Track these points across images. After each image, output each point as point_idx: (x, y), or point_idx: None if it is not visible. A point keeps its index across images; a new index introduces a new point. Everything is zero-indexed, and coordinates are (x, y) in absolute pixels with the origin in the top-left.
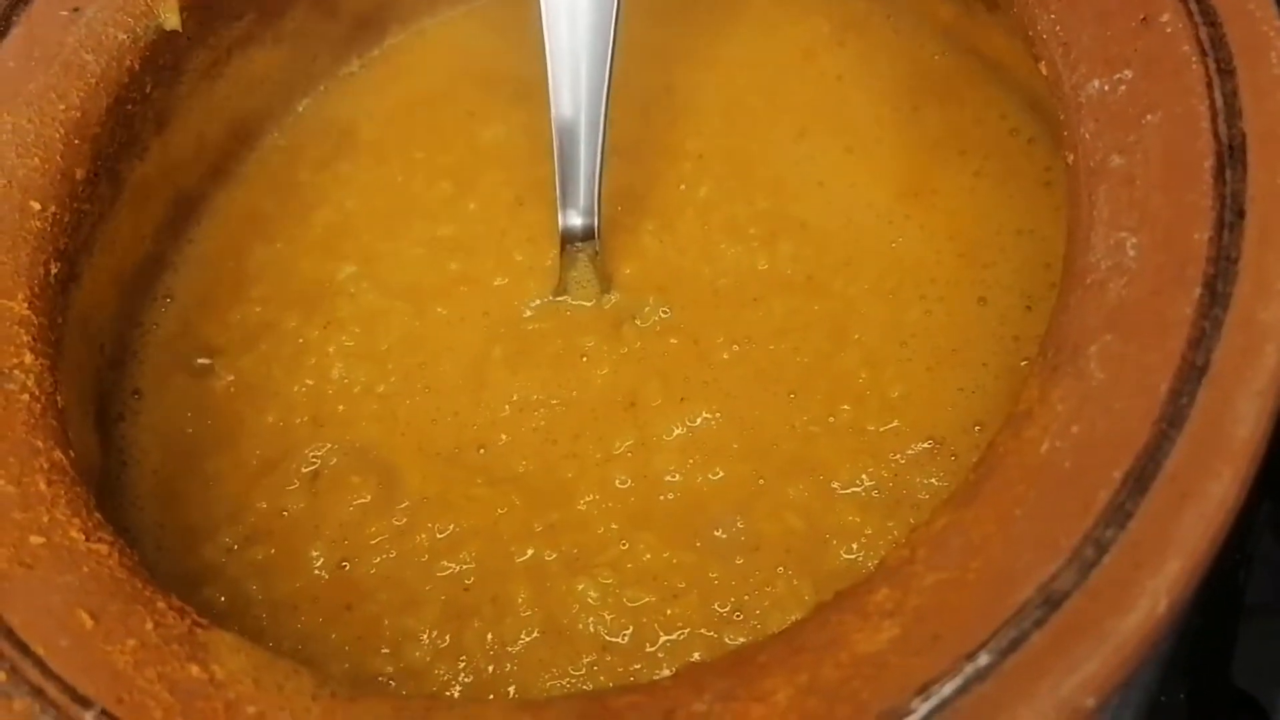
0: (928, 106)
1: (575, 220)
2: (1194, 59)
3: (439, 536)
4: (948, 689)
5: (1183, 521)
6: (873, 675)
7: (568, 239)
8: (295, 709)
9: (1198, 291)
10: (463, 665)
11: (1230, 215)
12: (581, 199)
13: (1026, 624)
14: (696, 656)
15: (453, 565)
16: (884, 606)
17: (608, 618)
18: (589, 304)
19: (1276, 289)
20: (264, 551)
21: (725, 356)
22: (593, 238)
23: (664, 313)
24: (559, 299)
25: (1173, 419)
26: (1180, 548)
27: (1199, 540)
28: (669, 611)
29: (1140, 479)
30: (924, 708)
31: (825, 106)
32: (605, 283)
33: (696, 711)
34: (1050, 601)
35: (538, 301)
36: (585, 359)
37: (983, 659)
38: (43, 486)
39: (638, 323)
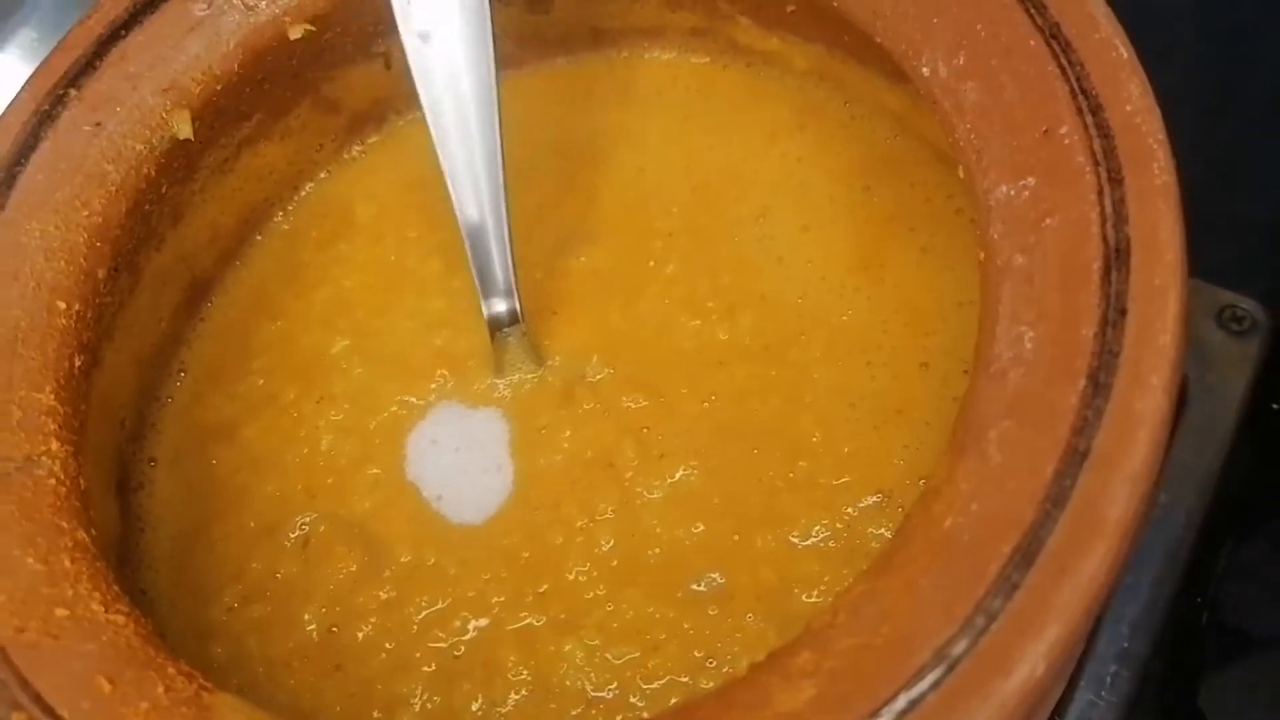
0: (880, 186)
1: (499, 306)
2: (1088, 169)
3: (428, 610)
4: None
5: (1060, 593)
6: None
7: (495, 326)
8: None
9: (1082, 383)
10: None
11: (1114, 313)
12: (500, 285)
13: (924, 686)
14: (673, 701)
15: (443, 635)
16: (805, 668)
17: (593, 675)
18: (531, 377)
19: (1150, 382)
20: (261, 610)
21: (694, 411)
22: (518, 320)
23: (609, 371)
24: (498, 380)
25: (1056, 499)
26: (1058, 616)
27: (1075, 610)
28: (650, 664)
29: (1026, 554)
30: None
31: (785, 186)
32: (538, 361)
33: None
34: (946, 664)
35: (478, 387)
36: (544, 430)
37: (884, 717)
38: (67, 564)
39: (589, 379)
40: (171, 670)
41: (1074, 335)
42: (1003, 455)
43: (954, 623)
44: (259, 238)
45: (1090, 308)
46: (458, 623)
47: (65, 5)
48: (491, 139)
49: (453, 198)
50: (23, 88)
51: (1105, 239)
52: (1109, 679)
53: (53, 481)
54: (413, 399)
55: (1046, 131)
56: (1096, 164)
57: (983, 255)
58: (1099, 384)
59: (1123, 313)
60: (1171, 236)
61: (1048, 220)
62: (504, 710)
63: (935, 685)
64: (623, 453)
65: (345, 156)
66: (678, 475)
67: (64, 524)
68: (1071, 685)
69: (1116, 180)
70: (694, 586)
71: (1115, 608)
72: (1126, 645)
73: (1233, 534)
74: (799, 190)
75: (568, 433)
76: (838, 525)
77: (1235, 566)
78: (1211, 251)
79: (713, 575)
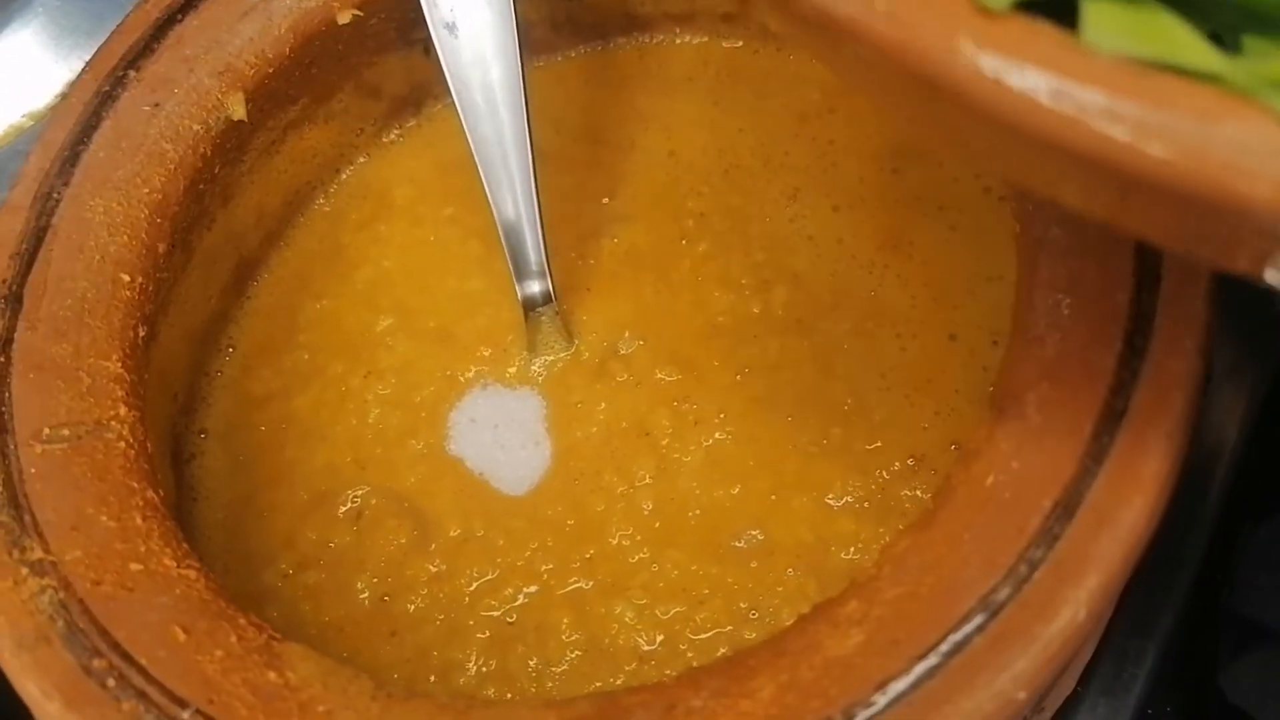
0: (909, 168)
1: (533, 288)
2: None
3: (479, 580)
4: (902, 685)
5: (1100, 543)
6: (841, 675)
7: (529, 306)
8: (358, 707)
9: (1119, 346)
10: (509, 686)
11: (1148, 279)
12: (533, 266)
13: (969, 630)
14: (722, 651)
15: (495, 604)
16: (853, 617)
17: (643, 631)
18: (565, 355)
19: (1184, 345)
20: (315, 577)
21: (727, 382)
22: (551, 301)
23: (641, 343)
24: (533, 358)
25: (1095, 455)
26: (1098, 565)
27: (1114, 559)
28: (698, 618)
29: (1067, 507)
30: (882, 700)
31: (816, 168)
32: (571, 339)
33: (694, 706)
34: (989, 611)
35: (514, 368)
36: (580, 404)
37: (932, 659)
38: (139, 521)
39: (622, 352)
40: (242, 621)
41: (1110, 301)
42: (1042, 416)
43: (998, 571)
44: (301, 219)
45: (1125, 275)
46: (509, 590)
47: None
48: (521, 126)
49: (484, 183)
50: (84, 69)
51: None
52: (1132, 652)
53: (122, 444)
54: (456, 374)
55: None
56: None
57: (1018, 228)
58: (1134, 347)
59: (1157, 279)
60: None
61: None
62: (559, 670)
63: (980, 629)
64: (658, 421)
65: (384, 140)
66: (713, 439)
67: (134, 484)
68: (1096, 657)
69: None
70: (735, 544)
71: (1139, 582)
72: (1150, 620)
73: (1253, 515)
74: (829, 171)
75: (603, 405)
76: (871, 488)
77: (1251, 551)
78: None
79: (753, 532)
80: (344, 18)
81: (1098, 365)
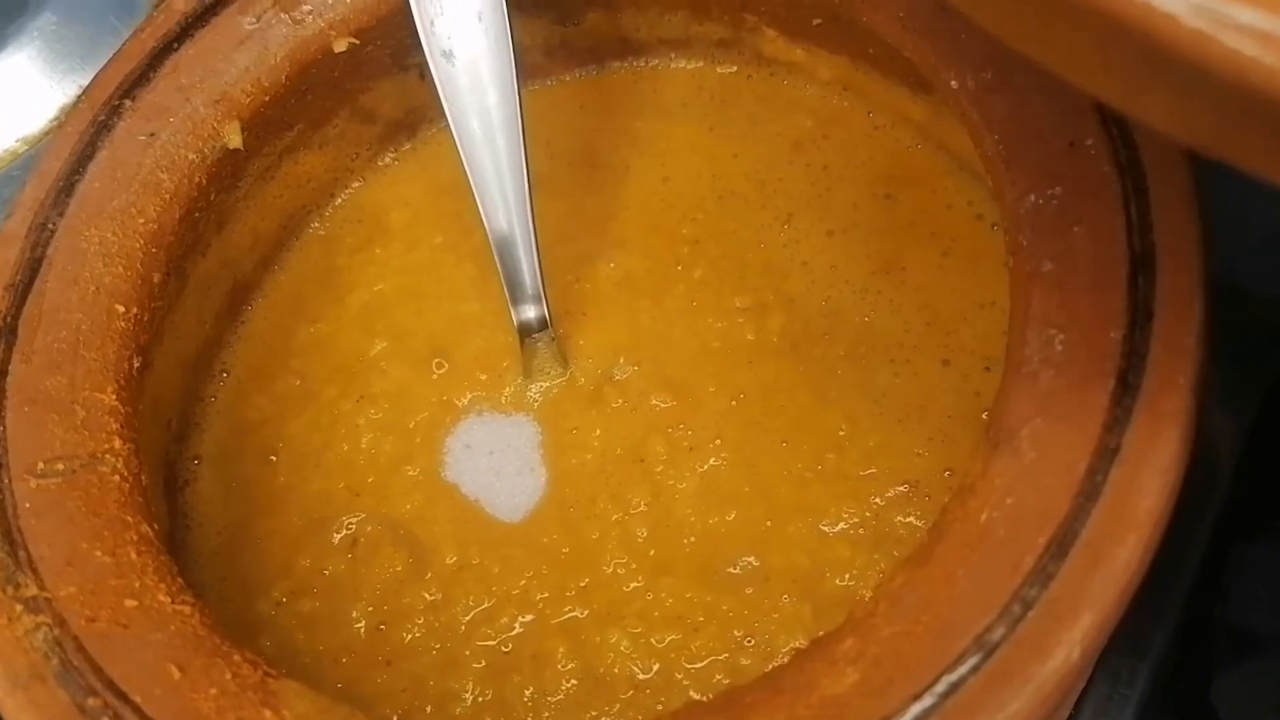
0: (902, 193)
1: (528, 313)
2: (1114, 178)
3: (475, 609)
4: None
5: (1095, 581)
6: (837, 714)
7: (525, 332)
8: None
9: (1112, 383)
10: (506, 716)
11: (1141, 316)
12: (529, 291)
13: (964, 670)
14: (718, 678)
15: (491, 633)
16: (849, 654)
17: (639, 660)
18: (560, 380)
19: (1178, 382)
20: (309, 605)
21: (722, 408)
22: (547, 326)
23: (636, 369)
24: (529, 383)
25: (1089, 493)
26: (1092, 604)
27: (1108, 597)
28: (693, 646)
29: (1061, 545)
30: None
31: (809, 194)
32: (566, 364)
33: None
34: (984, 650)
35: (509, 393)
36: (575, 430)
37: (927, 700)
38: (134, 556)
39: (616, 378)
40: (237, 658)
41: (1103, 337)
42: (1036, 452)
43: (992, 610)
44: (296, 243)
45: (1118, 311)
46: (504, 619)
47: None
48: (517, 152)
49: (480, 208)
50: (80, 98)
51: (1131, 245)
52: (1125, 674)
53: (116, 478)
54: (451, 399)
55: (1072, 143)
56: (1122, 173)
57: (1012, 261)
58: (1128, 384)
59: (1150, 316)
60: (1194, 243)
61: (1075, 228)
62: (555, 699)
63: (975, 669)
64: (652, 448)
65: (379, 164)
66: (708, 465)
67: (129, 518)
68: (1089, 679)
69: (1141, 189)
70: (730, 570)
71: (1133, 603)
72: (1142, 639)
73: (1245, 530)
74: (823, 197)
75: (598, 432)
76: (866, 514)
77: (1246, 564)
78: (1223, 253)
79: (748, 559)
80: (340, 46)
81: (1091, 402)
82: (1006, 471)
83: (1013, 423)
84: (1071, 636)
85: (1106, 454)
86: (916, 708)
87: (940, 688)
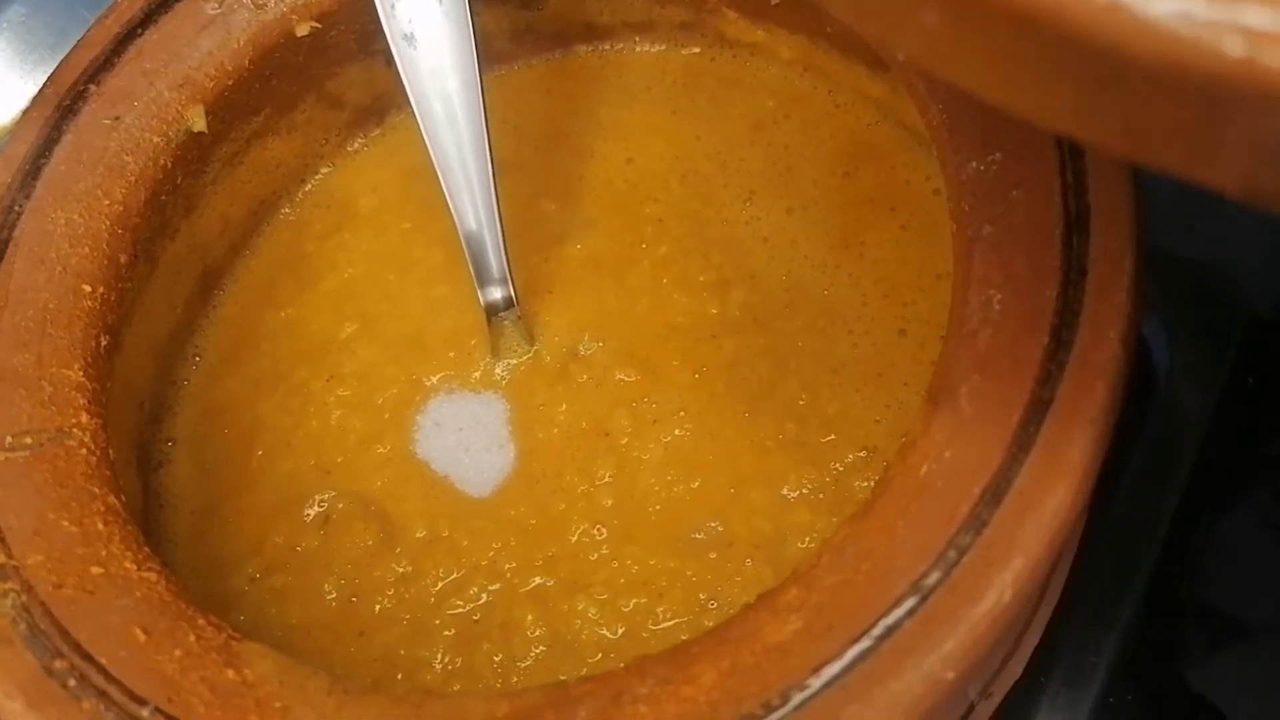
0: (861, 170)
1: (495, 294)
2: (1051, 143)
3: (444, 580)
4: (837, 668)
5: (1026, 527)
6: (779, 659)
7: (491, 312)
8: (314, 703)
9: (1046, 339)
10: (475, 682)
11: (1075, 274)
12: (494, 273)
13: (900, 613)
14: (683, 639)
15: (460, 603)
16: (792, 604)
17: (606, 625)
18: (527, 357)
19: (1109, 335)
20: (282, 581)
21: (685, 381)
22: (513, 305)
23: (600, 345)
24: (496, 362)
25: (1022, 444)
26: (1023, 548)
27: (1038, 543)
28: (658, 610)
29: (995, 494)
30: (816, 683)
31: (771, 173)
32: (533, 342)
33: (639, 694)
34: (920, 595)
35: (478, 372)
36: (542, 406)
37: (864, 643)
38: (100, 526)
39: (582, 354)
40: (201, 621)
41: (1038, 295)
42: (973, 407)
43: (928, 557)
44: (266, 229)
45: (1053, 270)
46: (473, 589)
47: None
48: (480, 135)
49: (445, 192)
50: (45, 83)
51: (1066, 206)
52: (1091, 643)
53: (84, 451)
54: (420, 379)
55: None
56: (1059, 139)
57: (955, 227)
58: (1061, 340)
59: (1083, 273)
60: (1127, 202)
61: (1014, 191)
62: (525, 664)
63: (911, 613)
64: (618, 421)
65: (348, 150)
66: (671, 436)
67: (95, 490)
68: (1056, 648)
69: (1077, 153)
70: (694, 536)
71: (1097, 575)
72: (1108, 611)
73: (1211, 510)
74: (784, 175)
75: (564, 407)
76: (825, 479)
77: (1215, 544)
78: (1199, 231)
79: (712, 525)
80: (302, 30)
81: (1026, 357)
82: (945, 427)
83: (953, 381)
84: (1003, 579)
85: (1040, 406)
86: (855, 650)
87: (878, 630)
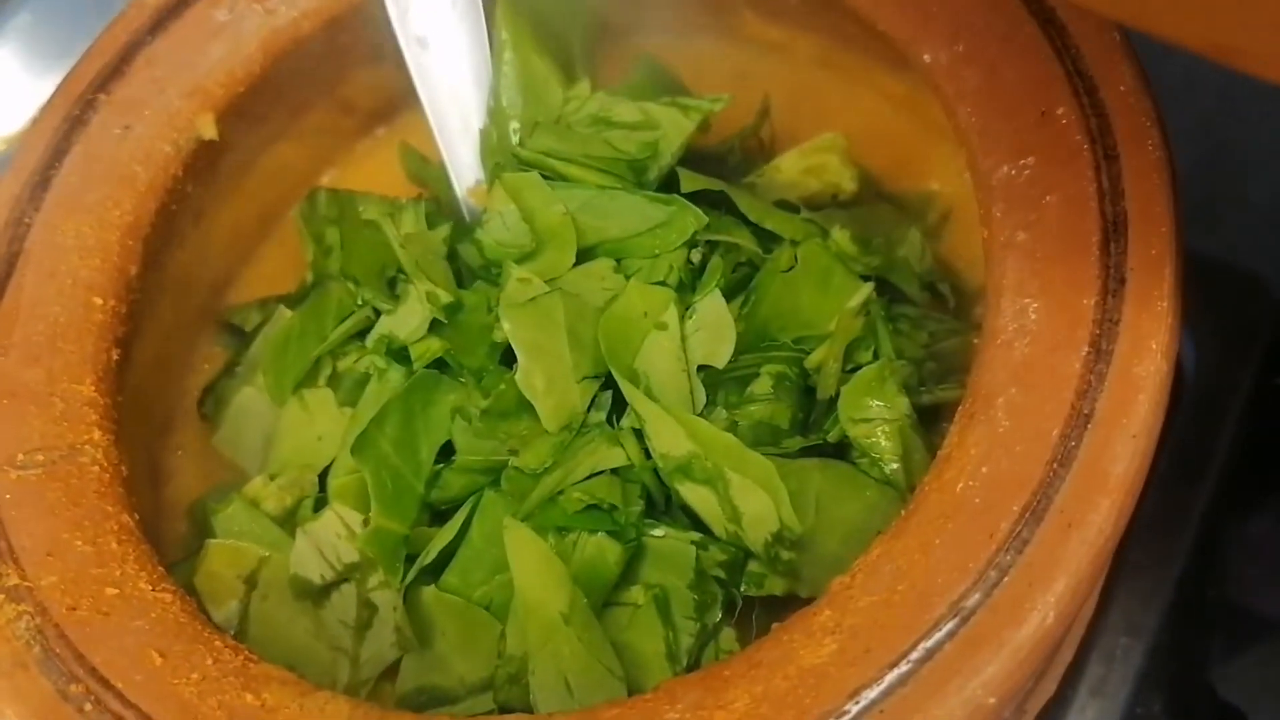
0: None
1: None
2: (1085, 147)
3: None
4: (875, 693)
5: (1069, 547)
6: (815, 684)
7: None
8: None
9: (1085, 350)
10: None
11: (1114, 283)
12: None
13: (940, 636)
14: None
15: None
16: (826, 626)
17: None
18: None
19: (1149, 346)
20: None
21: None
22: None
23: None
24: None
25: (1063, 459)
26: (1066, 569)
27: (1082, 562)
28: None
29: (1035, 512)
30: (855, 709)
31: None
32: None
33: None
34: (960, 617)
35: None
36: None
37: (904, 667)
38: (114, 545)
39: None
40: (218, 643)
41: (1076, 305)
42: (1010, 421)
43: (968, 577)
44: (274, 234)
45: (1091, 279)
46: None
47: None
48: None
49: (457, 194)
50: (54, 93)
51: (1103, 213)
52: (1119, 652)
53: (96, 469)
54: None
55: (1044, 113)
56: (1093, 142)
57: (986, 233)
58: (1100, 350)
59: (1122, 282)
60: (1166, 209)
61: (1048, 197)
62: None
63: (951, 635)
64: None
65: (356, 152)
66: None
67: (109, 508)
68: (1083, 658)
69: (1112, 157)
70: None
71: (1124, 581)
72: (1136, 619)
73: (1239, 510)
74: None
75: None
76: None
77: (1242, 544)
78: (1223, 231)
79: None
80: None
81: (1064, 369)
82: (982, 441)
83: (988, 392)
84: (1046, 601)
85: (1080, 420)
86: (893, 675)
87: (916, 654)
